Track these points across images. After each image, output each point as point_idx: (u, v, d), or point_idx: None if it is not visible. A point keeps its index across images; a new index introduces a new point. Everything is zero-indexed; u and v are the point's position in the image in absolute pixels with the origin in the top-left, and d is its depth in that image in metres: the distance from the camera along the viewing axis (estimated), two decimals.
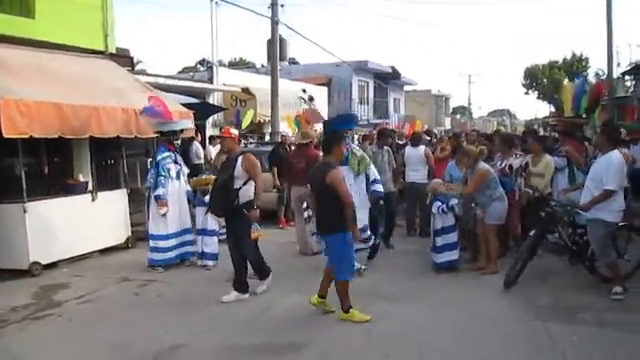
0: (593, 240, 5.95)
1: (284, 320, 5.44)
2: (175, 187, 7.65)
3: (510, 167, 7.63)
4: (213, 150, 12.25)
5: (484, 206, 6.93)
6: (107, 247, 8.45)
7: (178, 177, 7.73)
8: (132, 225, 8.85)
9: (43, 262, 7.35)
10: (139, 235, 8.63)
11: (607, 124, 7.44)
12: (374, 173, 7.21)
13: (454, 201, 7.00)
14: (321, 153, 6.76)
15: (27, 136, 6.86)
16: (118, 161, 9.20)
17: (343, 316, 5.34)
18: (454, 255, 7.03)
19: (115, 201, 8.64)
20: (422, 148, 9.46)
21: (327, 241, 5.52)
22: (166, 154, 7.62)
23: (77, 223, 7.85)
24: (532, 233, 6.42)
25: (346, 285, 5.35)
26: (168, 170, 7.55)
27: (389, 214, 8.63)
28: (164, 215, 7.46)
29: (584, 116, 10.20)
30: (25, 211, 7.14)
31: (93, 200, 8.28)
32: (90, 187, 8.44)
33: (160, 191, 7.42)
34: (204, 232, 7.56)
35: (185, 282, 6.91)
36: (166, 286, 6.75)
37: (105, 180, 8.95)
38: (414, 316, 5.47)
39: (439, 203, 7.06)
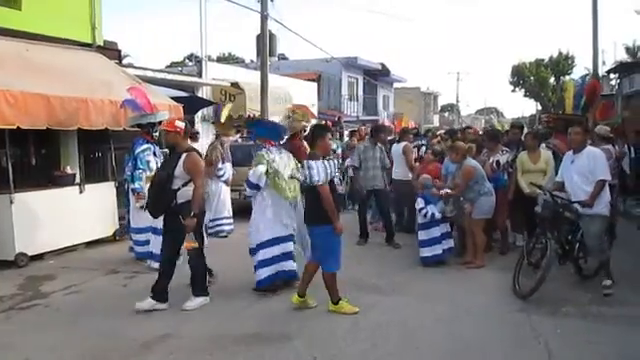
0: (591, 237, 5.86)
1: (275, 311, 5.46)
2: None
3: (497, 163, 7.68)
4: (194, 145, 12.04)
5: (472, 201, 7.00)
6: (94, 239, 8.43)
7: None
8: (120, 218, 8.83)
9: (29, 253, 7.34)
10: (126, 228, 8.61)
11: (580, 123, 7.43)
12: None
13: (438, 215, 7.05)
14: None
15: (14, 127, 6.83)
16: (106, 154, 9.17)
17: (332, 308, 5.37)
18: (437, 250, 7.07)
19: (103, 194, 8.62)
20: (402, 144, 9.36)
21: (313, 232, 5.47)
22: (145, 146, 7.51)
23: (64, 215, 7.83)
24: (550, 244, 5.80)
25: (334, 276, 5.37)
26: (147, 162, 7.42)
27: (381, 212, 8.65)
28: (142, 208, 7.41)
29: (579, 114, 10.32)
30: (12, 202, 7.13)
31: (81, 192, 8.25)
32: (78, 179, 8.42)
33: (137, 184, 7.33)
34: (155, 231, 7.01)
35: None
36: (154, 278, 6.69)
37: (93, 172, 8.95)
38: (401, 308, 5.53)
39: (422, 203, 7.14)
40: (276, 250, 5.92)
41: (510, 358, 4.38)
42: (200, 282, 5.65)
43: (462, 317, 5.26)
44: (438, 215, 7.03)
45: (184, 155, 5.42)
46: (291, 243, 6.05)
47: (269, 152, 6.06)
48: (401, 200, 9.24)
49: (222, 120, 14.68)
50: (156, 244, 7.01)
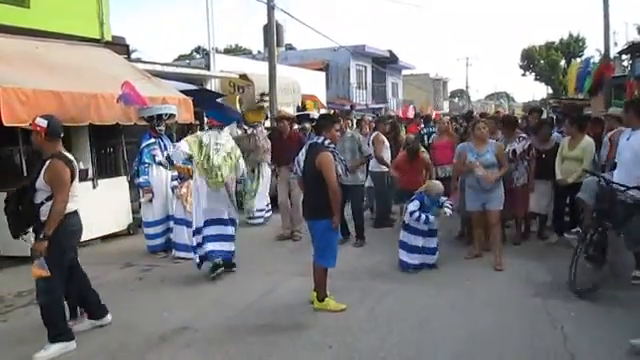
0: (636, 225, 5.27)
1: (288, 302, 5.50)
2: (162, 173, 7.59)
3: (514, 152, 7.18)
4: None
5: (491, 190, 6.51)
6: (109, 234, 8.52)
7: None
8: (133, 212, 8.91)
9: None
10: (140, 222, 8.70)
11: (634, 100, 6.99)
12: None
13: (432, 218, 6.34)
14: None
15: (27, 124, 6.87)
16: (118, 148, 9.23)
17: (318, 305, 5.21)
18: (414, 259, 6.40)
19: (116, 188, 8.69)
20: (374, 134, 9.02)
21: (312, 226, 5.29)
22: (151, 141, 7.60)
23: (78, 210, 7.87)
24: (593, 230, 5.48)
25: (325, 272, 5.24)
26: (154, 156, 7.51)
27: (352, 211, 8.00)
28: (150, 201, 7.49)
29: (581, 97, 10.18)
30: None
31: (94, 187, 8.33)
32: (90, 174, 8.48)
33: (142, 179, 7.41)
34: (175, 220, 7.31)
35: (187, 267, 6.97)
36: (169, 270, 6.82)
37: (105, 167, 9.00)
38: (415, 295, 5.55)
39: (416, 206, 6.37)
40: (213, 230, 6.31)
41: (526, 343, 4.38)
42: (55, 324, 4.49)
43: (476, 303, 5.27)
44: (432, 218, 6.33)
45: (48, 162, 4.42)
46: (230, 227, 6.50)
47: (208, 135, 6.40)
48: (376, 192, 8.94)
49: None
50: (178, 233, 7.20)
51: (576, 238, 6.37)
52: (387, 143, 8.99)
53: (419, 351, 4.29)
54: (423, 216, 6.29)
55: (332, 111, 17.79)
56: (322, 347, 4.39)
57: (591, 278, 5.36)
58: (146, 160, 7.48)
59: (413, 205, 6.41)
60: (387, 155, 8.91)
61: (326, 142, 5.17)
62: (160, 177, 7.58)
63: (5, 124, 6.62)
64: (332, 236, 5.20)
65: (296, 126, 10.52)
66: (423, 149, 8.38)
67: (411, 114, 20.99)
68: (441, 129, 9.04)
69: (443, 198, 6.52)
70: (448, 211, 6.45)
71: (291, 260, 7.07)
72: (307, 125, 10.75)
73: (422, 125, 12.14)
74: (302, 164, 5.33)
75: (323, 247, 5.21)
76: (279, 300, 5.58)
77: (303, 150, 5.40)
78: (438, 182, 6.73)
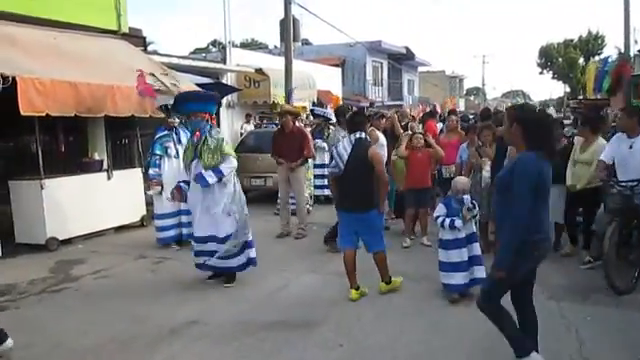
0: None
1: (299, 299, 5.47)
2: (174, 166, 7.42)
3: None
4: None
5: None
6: (122, 225, 8.57)
7: (178, 156, 7.35)
8: (147, 204, 8.95)
9: (60, 238, 7.50)
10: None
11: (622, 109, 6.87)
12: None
13: (459, 223, 5.32)
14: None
15: (43, 114, 6.92)
16: (133, 140, 9.28)
17: (385, 288, 5.50)
18: (458, 279, 5.36)
19: (130, 180, 8.73)
20: (369, 130, 8.71)
21: (364, 218, 5.29)
22: (165, 133, 7.58)
23: (93, 201, 7.96)
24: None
25: (385, 256, 5.52)
26: (166, 149, 7.47)
27: None
28: (160, 194, 7.44)
29: (599, 97, 10.01)
30: (42, 188, 7.27)
31: (109, 178, 8.38)
32: (105, 166, 8.53)
33: (152, 171, 7.39)
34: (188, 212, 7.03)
35: None
36: (181, 264, 6.80)
37: (120, 159, 9.06)
38: (428, 295, 5.49)
39: (442, 210, 5.49)
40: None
41: (540, 346, 4.29)
42: None
43: None
44: (459, 222, 5.30)
45: None
46: None
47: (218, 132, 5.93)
48: None
49: (295, 104, 14.41)
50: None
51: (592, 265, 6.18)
52: (382, 140, 8.19)
53: (430, 351, 4.25)
54: (447, 220, 5.35)
55: (351, 106, 17.60)
56: (333, 345, 4.36)
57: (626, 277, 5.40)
58: (157, 152, 7.47)
59: (438, 210, 5.59)
60: (383, 153, 8.07)
61: (368, 138, 5.48)
62: (172, 169, 7.52)
63: (23, 113, 6.66)
64: (381, 220, 5.60)
65: (304, 121, 10.42)
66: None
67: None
68: (449, 127, 8.69)
69: (467, 198, 5.57)
70: (474, 211, 5.48)
71: (302, 257, 7.03)
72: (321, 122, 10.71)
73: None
74: (345, 157, 5.28)
75: (375, 234, 5.45)
76: (290, 297, 5.56)
77: (345, 145, 5.33)
78: (462, 177, 6.06)
